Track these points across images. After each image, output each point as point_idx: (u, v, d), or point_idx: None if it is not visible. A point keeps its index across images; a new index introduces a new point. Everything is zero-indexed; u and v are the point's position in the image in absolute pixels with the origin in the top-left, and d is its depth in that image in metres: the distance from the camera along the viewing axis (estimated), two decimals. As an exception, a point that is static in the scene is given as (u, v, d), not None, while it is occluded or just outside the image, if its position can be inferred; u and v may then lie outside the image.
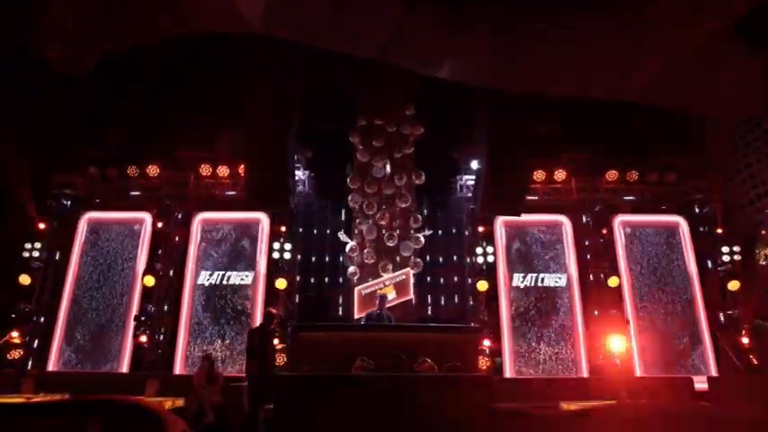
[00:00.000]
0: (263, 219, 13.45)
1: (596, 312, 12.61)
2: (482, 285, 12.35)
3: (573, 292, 12.92)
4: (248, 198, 12.53)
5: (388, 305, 12.28)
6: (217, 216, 13.68)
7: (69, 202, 13.71)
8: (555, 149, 13.98)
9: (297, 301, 12.43)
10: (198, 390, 10.04)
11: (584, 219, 13.51)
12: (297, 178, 13.75)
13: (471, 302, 13.14)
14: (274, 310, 9.46)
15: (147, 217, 13.55)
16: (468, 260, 13.41)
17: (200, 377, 10.34)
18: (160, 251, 13.33)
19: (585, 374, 12.13)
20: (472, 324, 12.07)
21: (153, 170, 14.03)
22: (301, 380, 7.10)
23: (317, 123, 14.42)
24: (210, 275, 13.10)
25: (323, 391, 6.70)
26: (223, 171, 13.95)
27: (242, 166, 13.50)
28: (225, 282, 13.02)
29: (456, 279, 13.57)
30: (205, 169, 13.96)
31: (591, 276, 12.95)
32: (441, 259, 13.70)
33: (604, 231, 13.00)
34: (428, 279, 13.31)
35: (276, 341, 11.31)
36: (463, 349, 9.14)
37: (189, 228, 13.53)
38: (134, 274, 13.05)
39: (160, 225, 13.16)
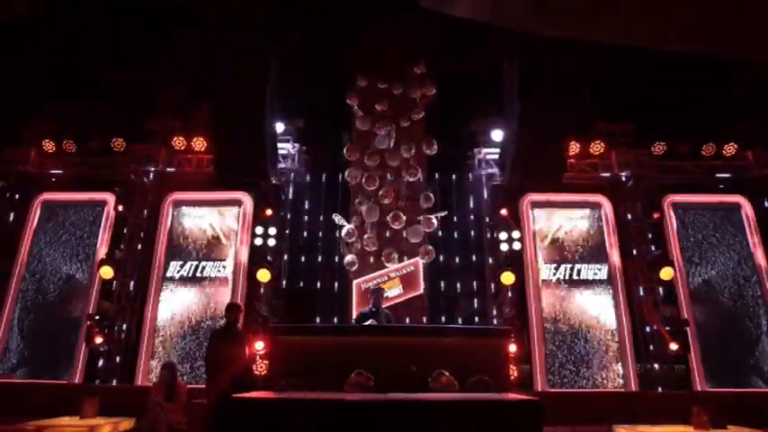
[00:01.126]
0: (245, 200, 11.37)
1: (645, 311, 10.43)
2: (507, 278, 10.18)
3: (616, 286, 10.72)
4: (217, 171, 10.45)
5: (392, 302, 10.20)
6: (191, 196, 11.62)
7: (20, 181, 11.70)
8: (591, 118, 11.78)
9: (283, 296, 10.27)
10: (153, 407, 7.97)
11: (627, 199, 11.31)
12: (285, 152, 11.64)
13: (493, 299, 10.96)
14: (240, 304, 7.38)
15: (110, 198, 11.48)
16: (490, 248, 11.22)
17: (158, 391, 8.27)
18: (123, 238, 11.31)
19: (635, 388, 9.95)
20: (496, 324, 9.89)
21: (118, 144, 11.98)
22: (259, 407, 4.96)
23: (311, 90, 12.40)
24: (182, 266, 11.04)
25: (294, 427, 4.58)
26: (199, 144, 11.88)
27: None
28: (199, 274, 10.95)
29: (475, 271, 11.36)
30: (178, 142, 11.89)
31: (637, 267, 10.77)
32: (456, 247, 11.47)
33: (655, 215, 10.75)
34: (441, 270, 11.12)
35: (260, 345, 9.27)
36: (490, 358, 6.97)
37: (158, 210, 11.46)
38: (94, 265, 10.98)
39: (121, 208, 11.05)
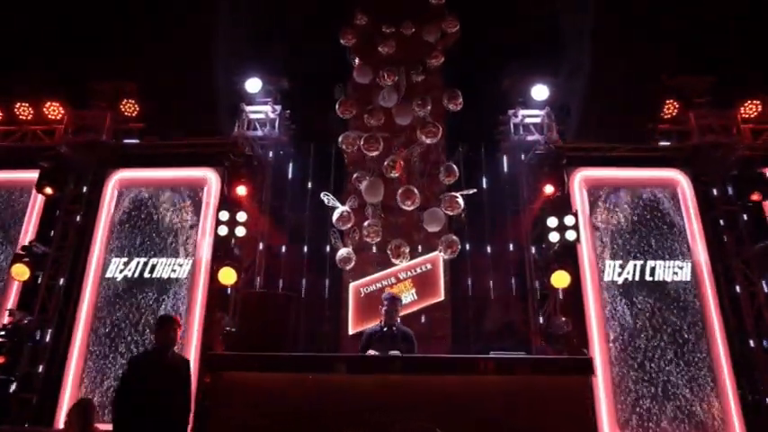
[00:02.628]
0: (211, 179, 8.72)
1: (747, 321, 7.66)
2: (560, 279, 7.45)
3: (704, 290, 7.93)
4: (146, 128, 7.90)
5: (403, 313, 7.47)
6: (142, 175, 9.00)
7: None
8: (662, 71, 9.03)
9: (253, 305, 7.34)
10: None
11: (712, 176, 8.56)
12: (263, 116, 8.99)
13: (538, 307, 8.21)
14: (177, 317, 4.77)
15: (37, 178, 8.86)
16: (534, 239, 8.47)
17: (67, 441, 5.73)
18: (53, 228, 8.75)
19: (739, 428, 7.16)
20: (546, 344, 7.13)
21: (53, 108, 9.41)
22: None
23: (297, 42, 9.80)
24: (126, 265, 8.41)
25: None
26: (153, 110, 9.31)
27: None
28: (147, 274, 8.31)
29: (514, 269, 8.56)
30: (127, 107, 9.30)
31: (732, 264, 8.01)
32: (488, 238, 8.67)
33: (755, 196, 7.96)
34: (468, 269, 8.36)
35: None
36: (563, 411, 4.37)
37: (100, 192, 8.86)
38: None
39: (49, 191, 8.45)
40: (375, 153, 7.08)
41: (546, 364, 4.75)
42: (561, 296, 7.86)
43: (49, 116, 9.43)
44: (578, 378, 4.68)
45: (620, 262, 8.11)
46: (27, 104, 9.43)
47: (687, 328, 7.75)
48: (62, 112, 9.40)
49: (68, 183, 8.85)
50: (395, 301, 5.53)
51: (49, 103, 9.39)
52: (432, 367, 4.51)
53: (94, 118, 9.23)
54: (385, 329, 5.34)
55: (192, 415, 4.51)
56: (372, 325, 5.71)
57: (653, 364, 7.51)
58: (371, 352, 5.02)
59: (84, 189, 8.95)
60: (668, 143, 8.87)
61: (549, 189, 7.91)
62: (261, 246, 8.44)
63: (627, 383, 7.38)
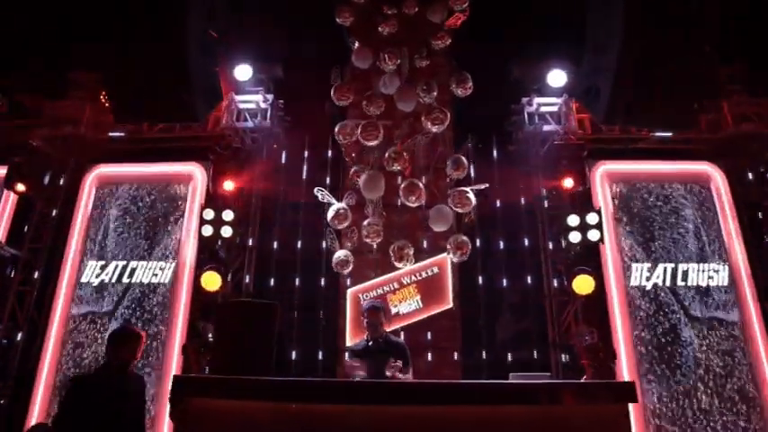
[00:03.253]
0: (196, 173, 7.99)
1: (793, 334, 6.83)
2: (583, 284, 6.66)
3: (743, 294, 7.11)
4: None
5: (406, 322, 6.75)
6: (124, 170, 8.29)
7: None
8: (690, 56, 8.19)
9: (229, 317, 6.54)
10: None
11: (749, 170, 7.74)
12: (253, 106, 8.24)
13: (556, 316, 7.40)
14: (143, 333, 4.06)
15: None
16: (552, 239, 7.65)
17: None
18: (26, 229, 8.06)
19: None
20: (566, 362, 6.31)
21: (31, 100, 8.71)
22: None
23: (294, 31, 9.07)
24: (103, 268, 7.68)
25: None
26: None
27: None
28: (126, 279, 7.58)
29: (530, 274, 7.73)
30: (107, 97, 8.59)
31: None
32: (501, 238, 7.84)
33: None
34: (479, 273, 7.55)
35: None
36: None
37: (77, 190, 8.15)
38: (-20, 268, 7.70)
39: (22, 188, 7.74)
40: (374, 142, 6.30)
41: (581, 391, 3.93)
42: (583, 303, 7.05)
43: (26, 106, 8.74)
44: (617, 407, 3.85)
45: (649, 265, 7.29)
46: (1, 95, 8.74)
47: (726, 336, 6.91)
48: (39, 104, 8.70)
49: (43, 179, 8.12)
50: (376, 311, 4.75)
51: (24, 95, 8.70)
52: (443, 397, 3.69)
53: (72, 109, 8.52)
54: (371, 343, 4.58)
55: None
56: (358, 340, 4.95)
57: (689, 378, 6.68)
58: (358, 374, 4.28)
59: (61, 184, 8.22)
60: (698, 134, 8.02)
61: (568, 183, 7.10)
62: (250, 248, 7.67)
63: (660, 394, 6.55)
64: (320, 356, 7.12)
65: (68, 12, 8.30)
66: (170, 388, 3.75)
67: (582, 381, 5.62)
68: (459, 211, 6.39)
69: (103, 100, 8.68)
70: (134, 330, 4.15)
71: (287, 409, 3.61)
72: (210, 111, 7.86)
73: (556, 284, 7.48)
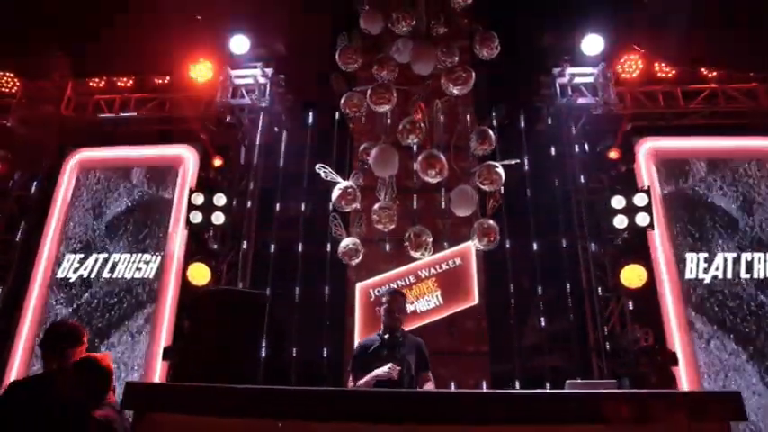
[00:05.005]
0: (187, 156, 7.14)
1: None
2: (632, 275, 5.66)
3: (822, 290, 6.05)
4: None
5: (424, 321, 5.78)
6: (107, 154, 7.47)
7: None
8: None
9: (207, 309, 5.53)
10: None
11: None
12: (251, 81, 7.39)
13: (599, 314, 6.38)
14: (84, 332, 3.13)
15: (-14, 160, 7.38)
16: (591, 224, 6.64)
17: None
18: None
19: None
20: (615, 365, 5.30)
21: (6, 80, 7.96)
22: None
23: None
24: (82, 262, 6.83)
25: None
26: (123, 81, 7.81)
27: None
28: (107, 273, 6.73)
29: (567, 266, 6.71)
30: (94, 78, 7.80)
31: None
32: (533, 223, 6.81)
33: None
34: (509, 265, 6.54)
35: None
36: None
37: (56, 176, 7.34)
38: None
39: (-8, 169, 6.96)
40: (387, 107, 5.38)
41: (667, 402, 2.96)
42: (630, 299, 6.04)
43: (3, 89, 7.98)
44: (720, 425, 2.86)
45: (706, 255, 6.27)
46: (-24, 74, 7.99)
47: (801, 340, 5.86)
48: (16, 83, 7.94)
49: (18, 164, 7.35)
50: (400, 296, 3.86)
51: (1, 74, 7.95)
52: (475, 411, 2.73)
53: (53, 89, 7.75)
54: (386, 337, 3.66)
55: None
56: (369, 336, 4.03)
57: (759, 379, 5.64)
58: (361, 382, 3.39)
59: (39, 169, 7.44)
60: (754, 103, 7.01)
61: (613, 154, 6.11)
62: (245, 237, 6.77)
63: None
64: (325, 360, 6.17)
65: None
66: (121, 398, 2.86)
67: (673, 390, 4.60)
68: (487, 188, 5.43)
69: (88, 80, 7.91)
70: (68, 324, 3.27)
71: (272, 428, 2.69)
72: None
73: (597, 278, 6.46)
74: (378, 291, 6.14)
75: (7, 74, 7.98)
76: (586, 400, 2.73)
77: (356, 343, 5.89)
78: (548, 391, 3.36)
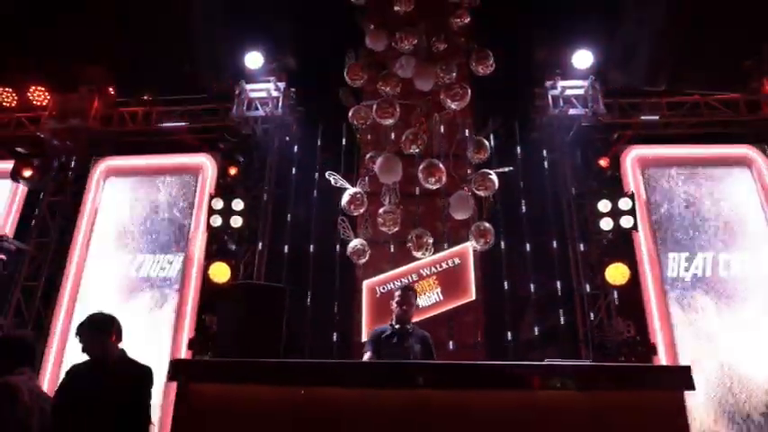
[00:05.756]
0: (206, 164, 7.72)
1: None
2: (616, 273, 6.18)
3: (793, 287, 6.54)
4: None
5: (425, 315, 6.31)
6: (132, 162, 8.06)
7: None
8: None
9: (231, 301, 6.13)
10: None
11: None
12: (264, 94, 7.95)
13: (588, 309, 6.89)
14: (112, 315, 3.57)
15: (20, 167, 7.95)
16: (580, 227, 7.16)
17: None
18: (33, 221, 7.86)
19: None
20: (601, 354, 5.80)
21: (37, 94, 8.57)
22: None
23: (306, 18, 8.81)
24: (110, 262, 7.39)
25: None
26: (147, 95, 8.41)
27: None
28: (134, 273, 7.31)
29: (558, 266, 7.23)
30: (116, 90, 8.40)
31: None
32: (525, 227, 7.34)
33: None
34: (503, 265, 7.08)
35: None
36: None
37: (85, 182, 7.93)
38: (-13, 263, 7.46)
39: (28, 174, 7.55)
40: (390, 121, 5.95)
41: (632, 374, 3.48)
42: (617, 296, 6.55)
43: (35, 102, 8.59)
44: (672, 394, 3.38)
45: (687, 254, 6.77)
46: (11, 90, 8.62)
47: (774, 333, 6.35)
48: (47, 96, 8.56)
49: (50, 172, 7.95)
50: (408, 292, 4.35)
51: (33, 88, 8.56)
52: (474, 379, 3.26)
53: (81, 102, 8.35)
54: (397, 327, 4.16)
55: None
56: (380, 326, 4.52)
57: (731, 374, 6.12)
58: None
59: (69, 178, 8.05)
60: (733, 115, 7.52)
61: (603, 163, 6.62)
62: (260, 238, 7.32)
63: (705, 390, 6.01)
64: (334, 350, 6.70)
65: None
66: (167, 372, 3.39)
67: (636, 365, 5.10)
68: (482, 194, 5.98)
69: (112, 92, 8.51)
70: (103, 314, 3.64)
71: (296, 393, 3.23)
72: (219, 85, 7.57)
73: (585, 276, 6.98)
74: (383, 288, 6.67)
75: (39, 88, 8.61)
76: (560, 371, 3.27)
77: (364, 334, 6.46)
78: (526, 362, 3.86)
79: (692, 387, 3.37)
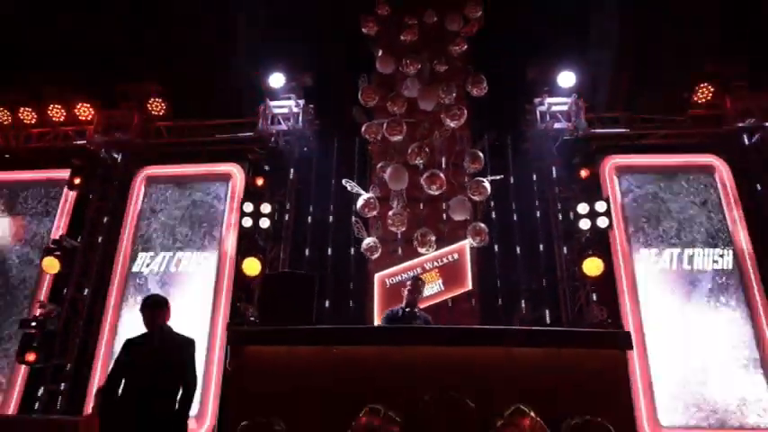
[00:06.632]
0: (235, 173, 8.77)
1: (796, 313, 7.21)
2: (592, 266, 7.17)
3: (749, 278, 7.53)
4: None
5: (429, 303, 7.34)
6: (169, 171, 9.11)
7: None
8: (693, 58, 8.77)
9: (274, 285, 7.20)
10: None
11: (751, 161, 8.19)
12: (286, 111, 9.00)
13: (570, 298, 7.91)
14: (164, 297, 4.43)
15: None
16: (564, 229, 8.17)
17: (90, 428, 5.73)
18: (83, 224, 8.93)
19: (791, 426, 6.71)
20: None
21: (83, 109, 9.65)
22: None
23: (320, 42, 9.86)
24: (153, 258, 8.48)
25: None
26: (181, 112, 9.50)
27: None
28: (174, 268, 8.36)
29: (544, 260, 8.26)
30: (155, 106, 9.47)
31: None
32: (516, 228, 8.37)
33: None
34: (496, 261, 8.12)
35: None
36: (600, 384, 4.11)
37: (128, 189, 9.00)
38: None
39: (77, 181, 8.62)
40: (398, 137, 7.02)
41: (583, 336, 4.52)
42: (594, 286, 7.55)
43: (80, 117, 9.68)
44: (614, 353, 4.41)
45: (656, 250, 7.78)
46: (59, 106, 9.70)
47: (729, 320, 7.34)
48: (92, 112, 9.63)
49: (97, 180, 9.01)
50: (418, 282, 5.36)
51: (79, 105, 9.64)
52: (465, 339, 4.31)
53: (123, 117, 9.42)
54: (407, 310, 5.17)
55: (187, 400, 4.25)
56: (393, 308, 5.54)
57: (696, 353, 7.11)
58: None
59: (113, 185, 9.11)
60: (701, 128, 8.53)
61: (584, 173, 7.61)
62: (284, 237, 8.38)
63: (663, 376, 7.01)
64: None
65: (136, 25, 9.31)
66: (227, 339, 4.39)
67: (583, 329, 6.10)
68: (476, 198, 7.04)
69: (150, 108, 9.56)
70: (158, 296, 4.55)
71: (329, 352, 4.26)
72: (256, 118, 8.62)
73: (568, 270, 7.99)
74: (392, 280, 7.69)
75: (84, 104, 9.69)
76: (532, 333, 4.31)
77: (375, 319, 7.48)
78: (505, 327, 4.88)
79: (630, 347, 4.43)
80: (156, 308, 4.22)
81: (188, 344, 4.40)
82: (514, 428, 3.74)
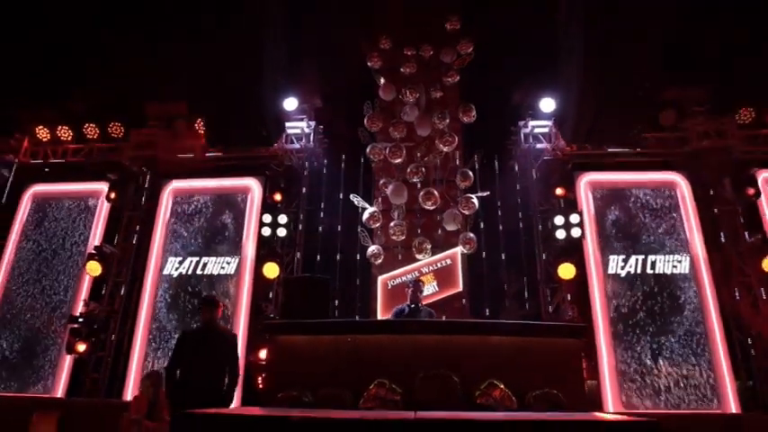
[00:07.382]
0: (253, 187, 9.87)
1: (743, 313, 8.33)
2: (566, 270, 8.28)
3: (702, 281, 8.65)
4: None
5: (425, 302, 8.43)
6: (194, 184, 10.20)
7: (10, 172, 10.57)
8: (658, 84, 9.89)
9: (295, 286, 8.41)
10: (129, 427, 6.48)
11: (708, 178, 9.32)
12: (299, 131, 10.11)
13: (548, 299, 9.04)
14: (220, 301, 5.51)
15: (105, 188, 10.16)
16: (543, 238, 9.29)
17: (139, 407, 6.73)
18: (117, 233, 10.02)
19: (735, 409, 7.83)
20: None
21: (116, 129, 10.76)
22: (240, 427, 3.30)
23: (328, 68, 10.97)
24: (181, 263, 9.56)
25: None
26: (203, 127, 10.57)
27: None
28: (200, 271, 9.45)
29: (525, 266, 9.42)
30: (181, 126, 10.56)
31: (728, 258, 8.71)
32: (501, 237, 9.53)
33: (750, 191, 8.68)
34: (484, 265, 9.26)
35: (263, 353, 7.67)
36: (557, 365, 5.20)
37: (157, 200, 10.09)
38: (83, 263, 9.63)
39: (113, 195, 9.72)
40: (399, 160, 8.13)
41: (544, 328, 5.64)
42: (570, 288, 8.67)
43: (113, 135, 10.78)
44: (572, 340, 5.53)
45: (624, 256, 8.90)
46: (94, 125, 10.80)
47: (686, 313, 8.46)
48: (123, 130, 10.73)
49: (130, 192, 10.11)
50: (418, 283, 6.46)
51: (112, 124, 10.74)
52: (452, 329, 5.44)
53: (150, 136, 10.51)
54: (412, 306, 6.27)
55: (233, 381, 5.28)
56: (400, 305, 6.64)
57: (653, 346, 8.23)
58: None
59: (144, 198, 10.20)
60: (666, 149, 9.65)
61: (559, 191, 8.73)
62: (298, 252, 9.50)
63: (628, 360, 8.14)
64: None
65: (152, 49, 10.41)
66: (261, 329, 5.49)
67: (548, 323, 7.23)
68: (466, 213, 8.16)
69: (176, 129, 10.65)
70: (212, 296, 5.58)
71: (344, 340, 5.37)
72: (277, 137, 9.73)
73: (547, 275, 9.12)
74: (393, 282, 8.80)
75: (116, 123, 10.80)
76: (503, 325, 5.43)
77: (378, 315, 8.59)
78: (483, 320, 5.99)
79: (581, 337, 5.56)
80: (212, 305, 5.27)
81: (233, 338, 5.48)
82: (488, 398, 4.86)
